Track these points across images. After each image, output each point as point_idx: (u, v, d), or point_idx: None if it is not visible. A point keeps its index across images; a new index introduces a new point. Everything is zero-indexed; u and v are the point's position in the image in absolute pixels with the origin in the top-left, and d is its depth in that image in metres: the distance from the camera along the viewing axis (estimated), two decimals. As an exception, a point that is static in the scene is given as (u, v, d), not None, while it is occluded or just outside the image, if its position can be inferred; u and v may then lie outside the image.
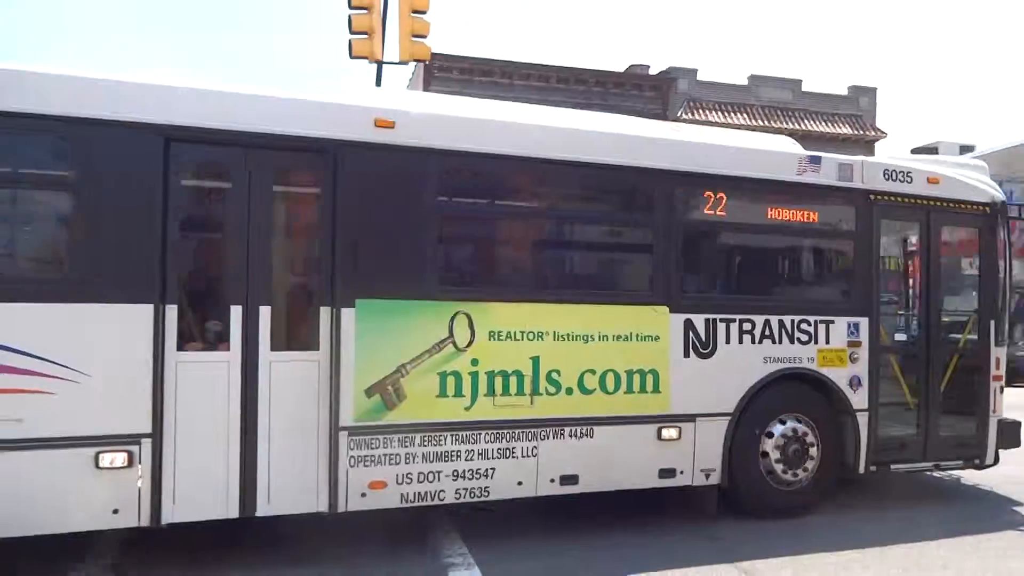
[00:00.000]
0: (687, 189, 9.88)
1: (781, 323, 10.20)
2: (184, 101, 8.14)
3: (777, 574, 8.37)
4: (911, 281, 11.58)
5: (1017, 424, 11.46)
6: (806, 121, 40.23)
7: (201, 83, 8.34)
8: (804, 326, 10.32)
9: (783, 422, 10.26)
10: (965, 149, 58.34)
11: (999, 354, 11.40)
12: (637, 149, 9.70)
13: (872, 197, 10.77)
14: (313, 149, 8.47)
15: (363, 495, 8.53)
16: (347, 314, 8.45)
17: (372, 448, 8.56)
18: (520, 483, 9.08)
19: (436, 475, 8.77)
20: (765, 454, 10.17)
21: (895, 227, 11.30)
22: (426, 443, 8.74)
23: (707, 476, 9.83)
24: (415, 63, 23.28)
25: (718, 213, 10.04)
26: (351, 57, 18.44)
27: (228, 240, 8.33)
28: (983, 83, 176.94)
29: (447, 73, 34.98)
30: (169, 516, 8.03)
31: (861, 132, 41.03)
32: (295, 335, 8.46)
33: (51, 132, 7.77)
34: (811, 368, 10.32)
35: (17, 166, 7.87)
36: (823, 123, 40.66)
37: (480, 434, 8.93)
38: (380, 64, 18.98)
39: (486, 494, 8.98)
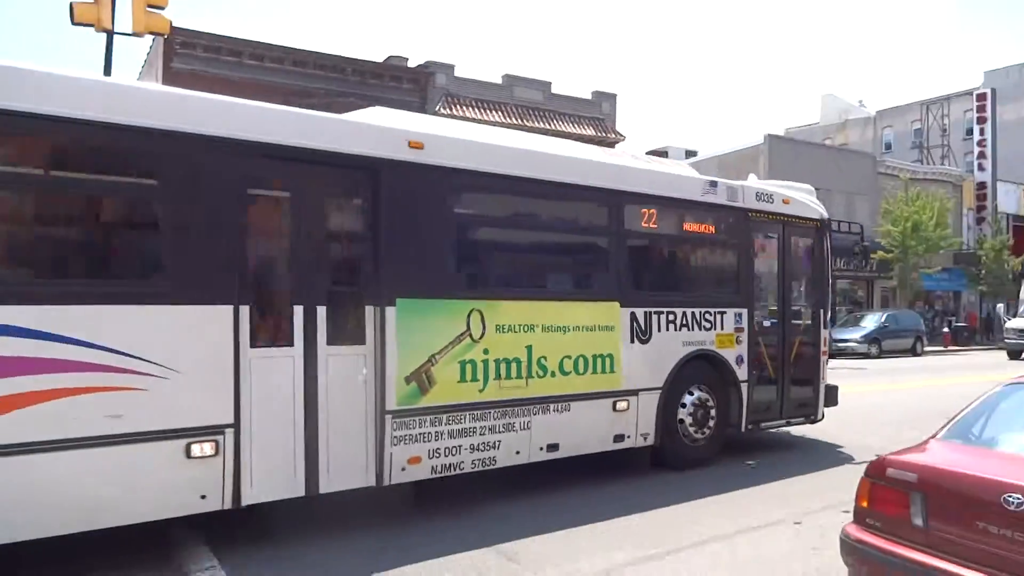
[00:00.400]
0: (633, 206, 11.81)
1: (693, 314, 12.47)
2: (269, 122, 8.77)
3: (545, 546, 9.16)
4: (773, 280, 13.89)
5: (835, 388, 14.55)
6: (555, 122, 41.25)
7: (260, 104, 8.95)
8: (707, 316, 12.63)
9: (691, 393, 12.35)
10: (690, 153, 63.53)
11: (826, 335, 14.32)
12: (603, 173, 11.48)
13: (749, 214, 13.29)
14: (359, 166, 9.33)
15: (403, 469, 9.49)
16: (389, 312, 9.44)
17: (410, 428, 9.52)
18: (518, 452, 10.44)
19: (458, 449, 9.91)
20: (681, 420, 12.22)
21: (761, 237, 13.57)
22: (450, 422, 9.84)
23: (645, 439, 11.77)
24: (153, 37, 21.97)
25: (651, 226, 12.10)
26: (73, 23, 17.60)
27: (291, 247, 8.96)
28: (704, 95, 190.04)
29: (190, 50, 33.41)
30: (248, 498, 8.52)
31: (603, 135, 42.33)
32: (346, 331, 9.20)
33: (145, 151, 8.12)
34: (712, 349, 12.66)
35: (120, 185, 8.26)
36: (570, 124, 41.74)
37: (490, 412, 10.17)
38: (110, 34, 18.17)
39: (493, 463, 10.23)
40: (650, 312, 11.85)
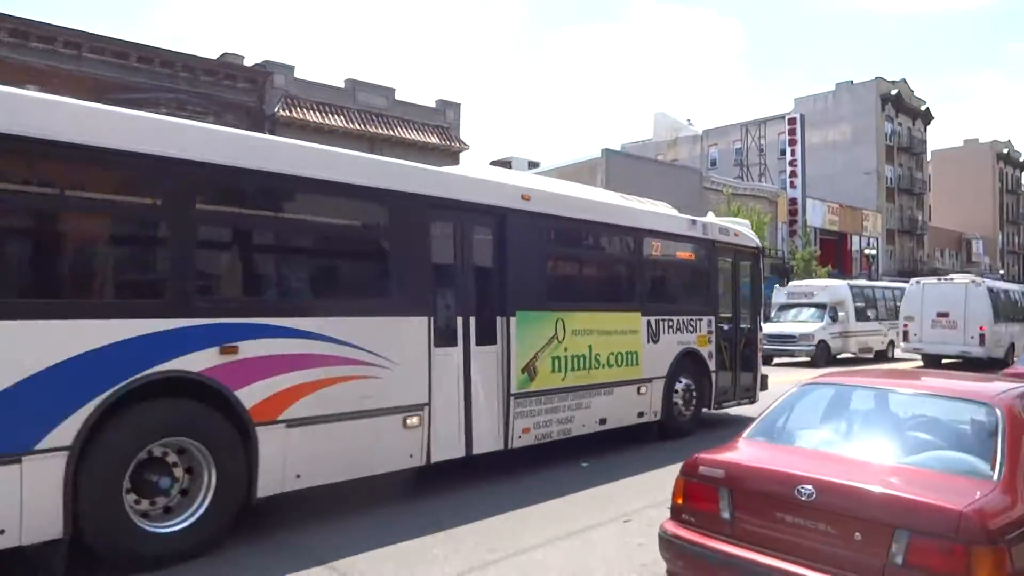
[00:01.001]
0: (648, 239, 16.24)
1: (683, 321, 16.90)
2: (436, 181, 12.37)
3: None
4: (728, 293, 18.54)
5: (766, 376, 19.69)
6: (399, 128, 41.99)
7: (433, 168, 12.69)
8: (691, 322, 17.13)
9: (680, 380, 16.71)
10: (532, 164, 65.78)
11: (760, 336, 19.43)
12: (637, 216, 16.08)
13: (715, 244, 17.98)
14: (493, 213, 13.18)
15: (519, 437, 13.12)
16: (512, 321, 13.17)
17: (523, 407, 13.21)
18: (583, 425, 14.31)
19: (550, 422, 13.66)
20: (675, 402, 16.43)
21: (720, 262, 18.26)
22: (546, 402, 13.60)
23: (656, 415, 15.97)
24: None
25: (657, 254, 16.62)
26: None
27: (454, 274, 12.58)
28: (545, 109, 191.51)
29: (-6, 35, 31.37)
30: (435, 458, 11.97)
31: (448, 143, 43.49)
32: (485, 335, 12.89)
33: (373, 200, 11.55)
34: (694, 347, 17.11)
35: (364, 234, 11.77)
36: (415, 132, 42.66)
37: (568, 395, 14.01)
38: None
39: (568, 433, 14.02)
40: (659, 319, 16.30)
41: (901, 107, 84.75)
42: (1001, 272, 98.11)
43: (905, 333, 35.75)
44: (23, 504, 8.26)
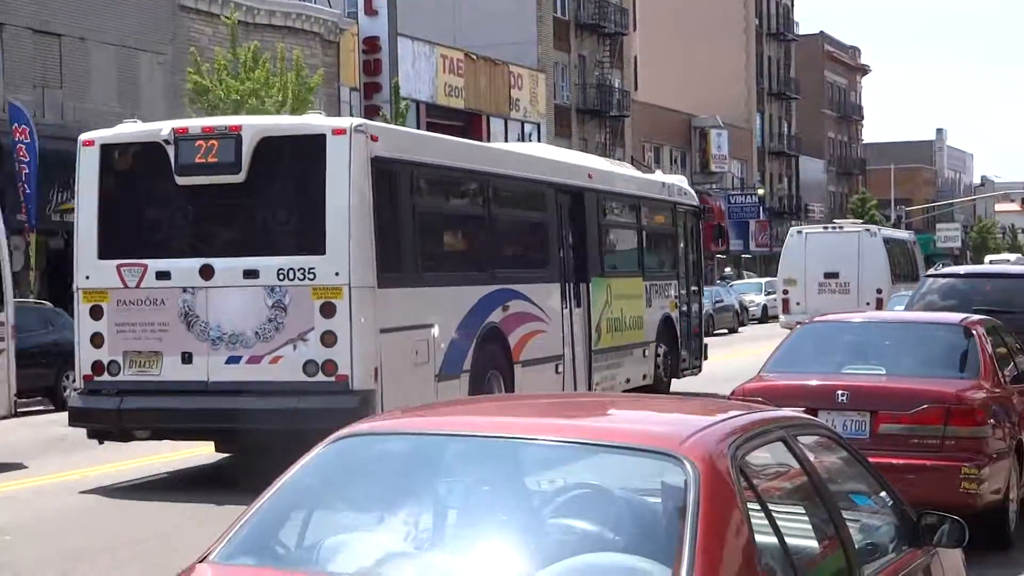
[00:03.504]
0: (646, 207, 21.06)
1: (662, 286, 21.24)
2: (557, 167, 18.62)
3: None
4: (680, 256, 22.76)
5: (707, 346, 23.39)
6: None
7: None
8: (667, 287, 21.53)
9: (661, 345, 20.95)
10: None
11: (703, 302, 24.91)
12: (642, 184, 21.45)
13: (675, 206, 22.18)
14: (572, 191, 18.32)
15: (595, 387, 18.25)
16: (590, 286, 18.37)
17: (597, 362, 18.55)
18: (617, 383, 19.19)
19: (605, 378, 18.75)
20: (658, 366, 20.97)
21: (678, 225, 22.43)
22: (604, 359, 18.78)
23: (647, 379, 20.33)
24: None
25: (649, 220, 21.38)
26: None
27: (562, 244, 17.85)
28: None
29: None
30: None
31: None
32: (578, 298, 18.09)
33: (541, 191, 17.86)
34: (669, 311, 21.42)
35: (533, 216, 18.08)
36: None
37: (611, 354, 19.07)
38: None
39: (612, 388, 18.84)
40: (651, 284, 20.56)
41: None
42: (760, 192, 77.76)
43: (785, 302, 32.23)
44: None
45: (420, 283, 14.14)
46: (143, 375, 13.32)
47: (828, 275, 31.62)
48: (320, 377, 12.70)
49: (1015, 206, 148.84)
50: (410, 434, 4.63)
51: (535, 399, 7.71)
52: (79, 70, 32.37)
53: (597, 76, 63.03)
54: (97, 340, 13.39)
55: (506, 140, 49.30)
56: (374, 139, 13.29)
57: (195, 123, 14.39)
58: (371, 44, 41.65)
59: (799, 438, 4.80)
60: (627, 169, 22.83)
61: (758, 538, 3.96)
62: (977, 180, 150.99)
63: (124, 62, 33.45)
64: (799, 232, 33.40)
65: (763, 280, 59.07)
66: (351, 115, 38.58)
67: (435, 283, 14.53)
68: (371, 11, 41.53)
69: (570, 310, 17.65)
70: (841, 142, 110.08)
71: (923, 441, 9.84)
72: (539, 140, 53.10)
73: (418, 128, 40.86)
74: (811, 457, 4.84)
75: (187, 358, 13.13)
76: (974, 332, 11.10)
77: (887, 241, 32.35)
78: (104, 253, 13.53)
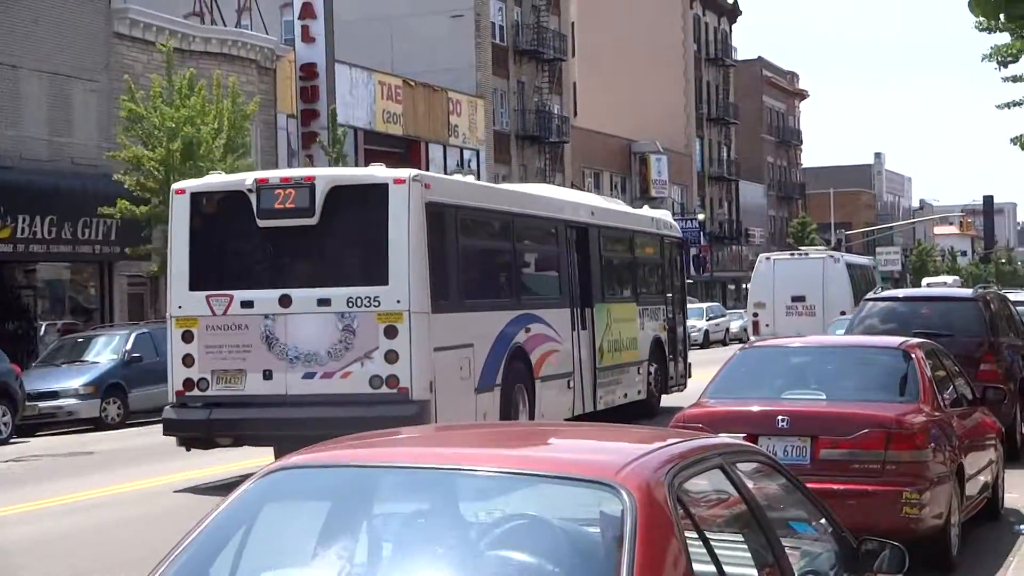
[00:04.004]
0: (639, 239, 23.93)
1: (653, 310, 23.90)
2: (569, 207, 21.94)
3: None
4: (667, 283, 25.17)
5: (691, 364, 25.97)
6: None
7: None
8: (656, 311, 24.22)
9: (652, 364, 22.87)
10: None
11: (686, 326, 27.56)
12: (635, 219, 24.65)
13: (663, 238, 25.02)
14: (578, 227, 21.18)
15: (600, 400, 20.23)
16: (594, 311, 20.96)
17: (601, 378, 20.37)
18: (615, 398, 21.07)
19: (606, 393, 20.54)
20: (650, 383, 22.64)
21: (665, 255, 25.14)
22: (606, 376, 20.52)
23: (640, 395, 22.26)
24: None
25: (641, 251, 24.25)
26: None
27: (568, 277, 20.50)
28: None
29: None
30: (575, 412, 19.65)
31: None
32: (583, 322, 20.58)
33: (554, 227, 20.69)
34: (658, 334, 24.05)
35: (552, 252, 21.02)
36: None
37: (611, 372, 20.88)
38: None
39: (612, 404, 20.62)
40: (643, 309, 23.16)
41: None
42: (700, 217, 77.41)
43: (755, 324, 33.89)
44: (484, 416, 16.73)
45: (462, 308, 16.89)
46: (229, 390, 16.05)
47: (795, 298, 33.22)
48: (384, 389, 15.39)
49: (953, 229, 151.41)
50: (345, 466, 4.58)
51: (474, 428, 7.70)
52: (10, 97, 32.01)
53: (536, 102, 63.13)
54: (188, 360, 16.09)
55: (445, 167, 49.99)
56: (427, 187, 16.11)
57: (274, 174, 17.50)
58: (308, 71, 41.64)
59: (737, 465, 4.82)
60: (620, 205, 25.95)
61: (696, 567, 3.95)
62: (916, 203, 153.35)
63: (57, 90, 33.14)
64: (768, 258, 35.15)
65: (703, 305, 59.44)
66: (288, 142, 41.44)
67: (474, 308, 17.31)
68: (308, 38, 41.59)
69: (578, 332, 20.35)
70: (781, 167, 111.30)
71: (864, 466, 9.89)
72: (478, 167, 53.85)
73: (355, 155, 41.79)
74: (749, 484, 4.86)
75: (268, 375, 15.83)
76: (913, 355, 11.22)
77: (850, 266, 34.12)
78: (194, 285, 16.25)
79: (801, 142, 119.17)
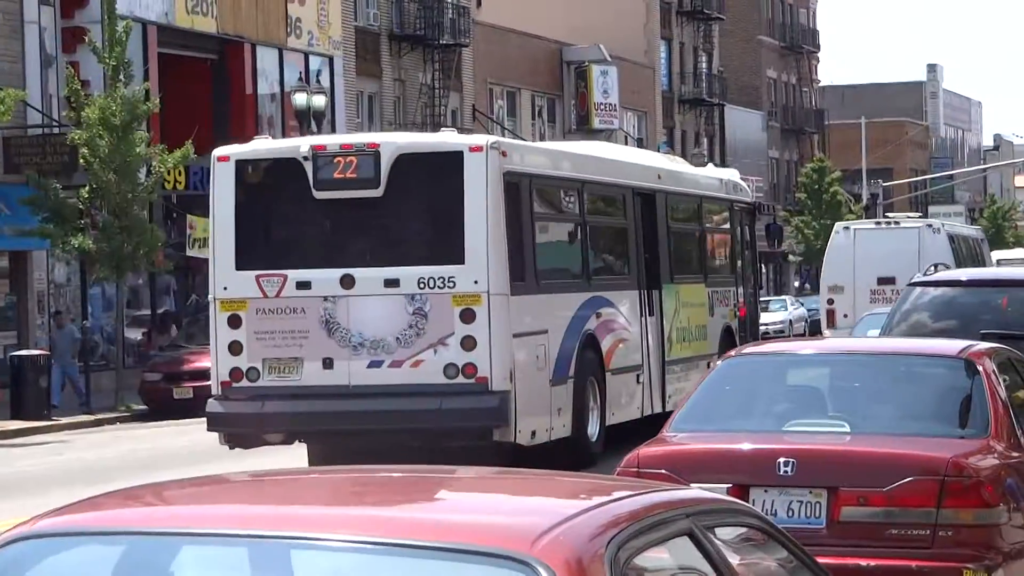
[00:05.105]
0: (709, 206, 28.12)
1: (723, 293, 27.82)
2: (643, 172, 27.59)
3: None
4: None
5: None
6: None
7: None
8: (727, 295, 28.90)
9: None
10: None
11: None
12: (728, 188, 28.26)
13: (733, 204, 29.96)
14: (645, 194, 26.21)
15: (669, 398, 24.93)
16: (662, 293, 26.11)
17: (670, 374, 24.81)
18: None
19: (675, 392, 23.11)
20: None
21: (735, 225, 28.89)
22: (674, 371, 24.33)
23: None
24: None
25: (711, 220, 28.70)
26: None
27: (636, 257, 25.79)
28: None
29: None
30: (644, 412, 24.18)
31: None
32: (652, 306, 25.56)
33: (625, 198, 25.94)
34: (729, 322, 27.34)
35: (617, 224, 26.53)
36: None
37: (679, 366, 25.05)
38: None
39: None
40: (712, 291, 26.63)
41: None
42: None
43: (830, 314, 36.86)
44: (559, 412, 21.23)
45: (538, 290, 21.30)
46: (284, 380, 20.02)
47: (882, 280, 36.49)
48: (460, 379, 19.58)
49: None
50: (120, 533, 4.35)
51: (324, 474, 7.42)
52: None
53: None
54: (236, 348, 20.04)
55: (281, 80, 52.49)
56: (504, 155, 20.35)
57: (332, 140, 21.82)
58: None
59: (715, 531, 4.80)
60: (683, 165, 30.35)
61: None
62: (988, 141, 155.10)
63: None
64: (846, 228, 38.91)
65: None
66: (40, 42, 41.33)
67: (548, 290, 21.83)
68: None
69: (645, 318, 24.98)
70: (788, 85, 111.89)
71: (906, 532, 9.87)
72: (331, 80, 55.02)
73: (144, 60, 42.81)
74: (734, 560, 4.86)
75: (328, 363, 19.90)
76: (981, 368, 11.19)
77: (952, 239, 37.28)
78: (242, 264, 20.15)
79: (818, 48, 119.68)
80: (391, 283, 19.61)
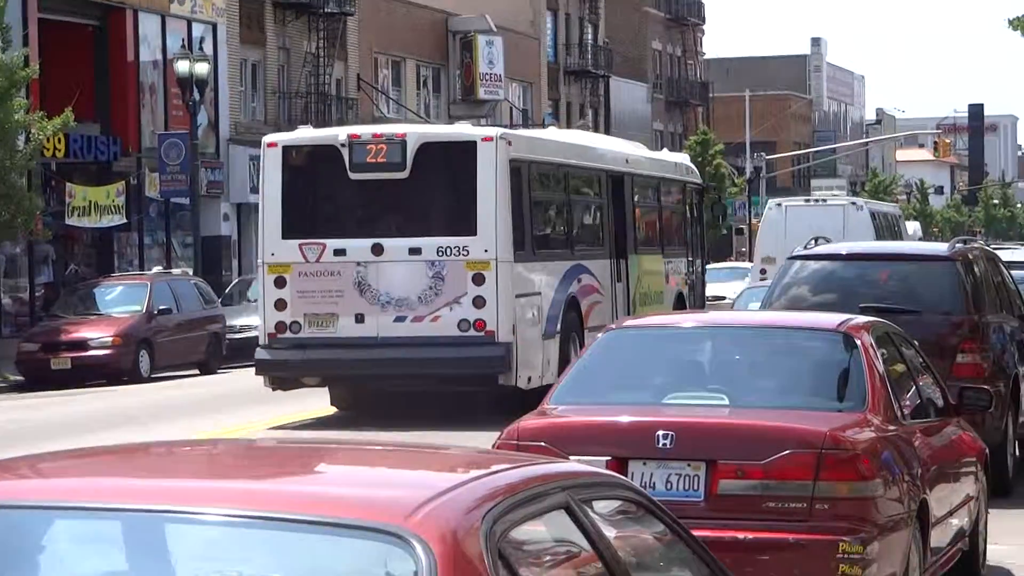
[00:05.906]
0: (666, 186, 34.93)
1: (677, 263, 32.74)
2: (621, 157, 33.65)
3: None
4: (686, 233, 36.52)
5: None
6: None
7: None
8: (679, 264, 34.48)
9: None
10: None
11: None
12: (681, 171, 36.54)
13: (685, 184, 36.00)
14: (614, 175, 31.63)
15: None
16: (629, 262, 31.56)
17: None
18: None
19: None
20: None
21: (686, 202, 36.21)
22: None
23: None
24: None
25: (666, 198, 35.09)
26: None
27: (611, 228, 31.24)
28: None
29: None
30: None
31: None
32: (621, 274, 30.96)
33: (599, 178, 31.79)
34: (680, 289, 34.98)
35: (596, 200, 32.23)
36: None
37: None
38: None
39: None
40: (667, 261, 31.10)
41: None
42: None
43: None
44: (548, 362, 25.85)
45: (534, 259, 26.17)
46: (322, 332, 24.65)
47: None
48: (471, 332, 24.19)
49: (925, 153, 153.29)
50: None
51: (201, 447, 7.43)
52: None
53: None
54: (280, 305, 24.68)
55: (164, 47, 52.03)
56: (509, 144, 25.17)
57: (366, 130, 26.87)
58: None
59: (592, 504, 4.83)
60: (644, 151, 35.22)
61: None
62: (871, 115, 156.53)
63: None
64: (778, 205, 44.33)
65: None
66: None
67: (542, 259, 26.70)
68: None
69: (615, 284, 29.86)
70: (673, 57, 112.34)
71: (783, 505, 9.92)
72: (214, 47, 54.70)
73: (23, 27, 42.36)
74: (610, 533, 4.87)
75: (360, 318, 24.51)
76: (859, 341, 11.34)
77: (874, 216, 41.54)
78: (287, 234, 24.83)
79: (703, 21, 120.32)
80: (414, 251, 24.38)
